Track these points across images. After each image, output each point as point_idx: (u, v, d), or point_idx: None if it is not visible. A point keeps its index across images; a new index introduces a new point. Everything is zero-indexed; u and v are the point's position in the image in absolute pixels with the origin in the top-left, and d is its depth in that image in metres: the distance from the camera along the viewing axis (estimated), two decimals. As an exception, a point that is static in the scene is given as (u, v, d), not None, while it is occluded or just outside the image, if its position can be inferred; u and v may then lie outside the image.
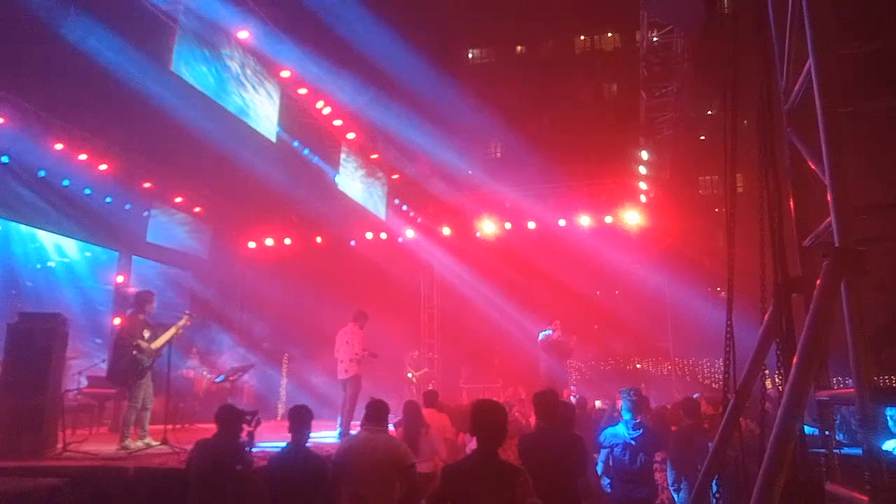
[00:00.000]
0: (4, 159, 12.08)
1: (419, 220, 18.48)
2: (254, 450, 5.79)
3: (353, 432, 8.01)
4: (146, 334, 8.19)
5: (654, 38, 11.94)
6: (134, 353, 7.96)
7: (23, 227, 13.38)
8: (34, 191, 12.68)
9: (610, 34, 32.50)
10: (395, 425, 8.11)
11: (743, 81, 4.39)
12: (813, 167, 3.51)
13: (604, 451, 6.21)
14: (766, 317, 4.00)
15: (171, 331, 8.38)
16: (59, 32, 11.00)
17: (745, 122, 4.62)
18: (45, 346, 7.18)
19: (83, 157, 13.03)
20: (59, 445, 7.14)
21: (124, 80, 11.81)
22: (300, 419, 5.42)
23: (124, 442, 7.79)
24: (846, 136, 3.18)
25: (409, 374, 15.26)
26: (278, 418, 14.38)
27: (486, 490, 3.56)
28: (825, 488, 3.39)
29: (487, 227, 17.87)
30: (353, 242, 18.73)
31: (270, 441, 7.45)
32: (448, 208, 18.24)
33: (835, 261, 3.02)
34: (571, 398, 10.79)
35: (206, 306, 16.42)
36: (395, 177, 16.94)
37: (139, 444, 7.88)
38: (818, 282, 3.14)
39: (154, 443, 7.95)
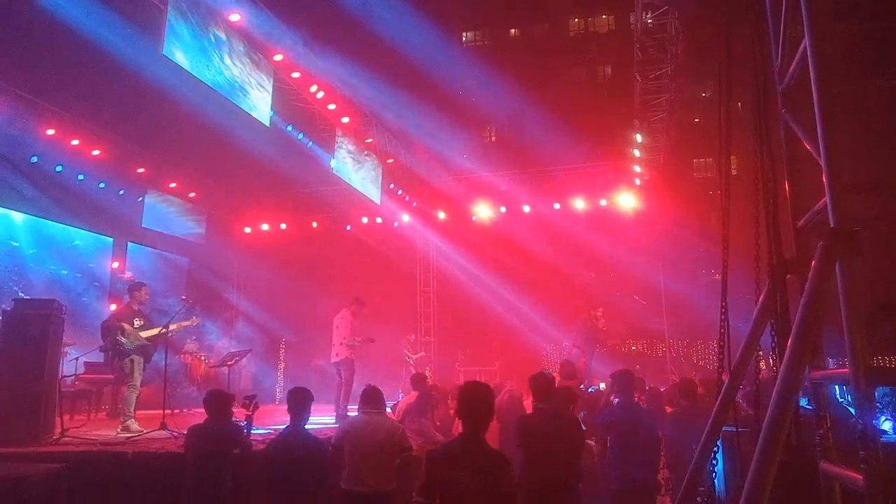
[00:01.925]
0: (-5, 145, 12.00)
1: (414, 204, 18.46)
2: (252, 432, 5.83)
3: (350, 415, 8.08)
4: (136, 322, 8.28)
5: (649, 20, 11.85)
6: (117, 336, 8.09)
7: (14, 213, 13.29)
8: (27, 177, 12.61)
9: (604, 16, 32.33)
10: (391, 408, 8.19)
11: (737, 62, 4.38)
12: (808, 147, 3.51)
13: (601, 432, 6.26)
14: (760, 298, 4.02)
15: (165, 329, 8.43)
16: (49, 14, 10.88)
17: (740, 104, 4.61)
18: (41, 332, 7.15)
19: (75, 142, 12.95)
20: (57, 431, 7.15)
21: (115, 64, 11.70)
22: (299, 401, 5.42)
23: (126, 423, 7.87)
24: (842, 116, 3.18)
25: (408, 357, 15.33)
26: (276, 402, 14.44)
27: (473, 476, 3.54)
28: (820, 467, 3.43)
29: (482, 211, 17.87)
30: (348, 227, 18.72)
31: (269, 425, 7.49)
32: (443, 192, 18.22)
33: (829, 241, 3.02)
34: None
35: (202, 291, 16.41)
36: (390, 161, 16.89)
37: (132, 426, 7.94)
38: (813, 263, 3.15)
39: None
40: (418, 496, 3.66)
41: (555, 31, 33.09)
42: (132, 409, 8.07)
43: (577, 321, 14.62)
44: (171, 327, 8.50)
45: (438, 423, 8.25)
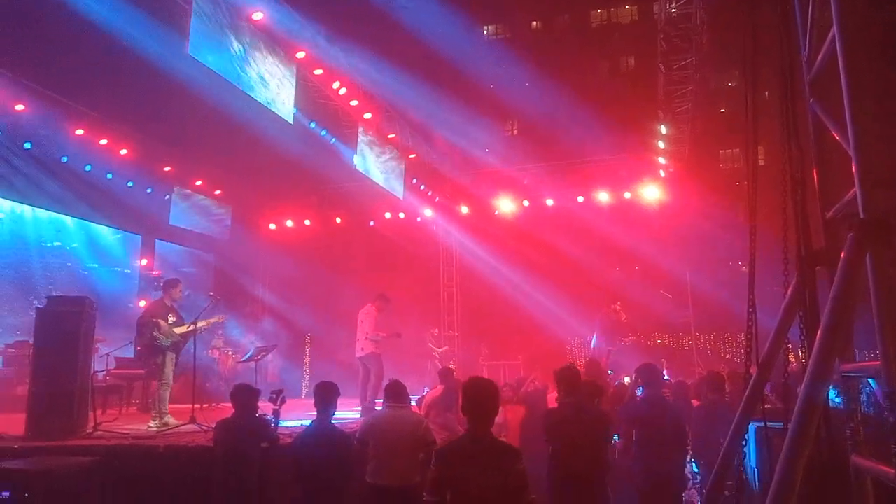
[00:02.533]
0: (27, 146, 12.26)
1: (437, 199, 18.47)
2: (279, 426, 5.90)
3: (378, 409, 8.13)
4: (170, 318, 8.37)
5: (673, 10, 11.71)
6: (153, 332, 8.15)
7: (47, 212, 13.58)
8: (57, 177, 12.88)
9: (627, 6, 31.94)
10: (416, 402, 8.23)
11: (763, 51, 4.31)
12: (837, 138, 3.45)
13: (626, 427, 6.23)
14: (789, 290, 3.96)
15: (195, 326, 8.53)
16: (76, 15, 11.06)
17: (766, 93, 4.54)
18: (74, 329, 7.29)
19: (104, 141, 13.20)
20: (90, 426, 7.30)
21: (142, 64, 11.87)
22: (326, 396, 5.48)
23: (163, 419, 8.00)
24: (873, 105, 3.11)
25: (434, 351, 15.40)
26: (302, 396, 14.59)
27: (482, 472, 3.52)
28: (851, 461, 3.38)
29: (505, 205, 17.83)
30: (372, 222, 18.81)
31: (295, 418, 7.58)
32: (465, 187, 18.22)
33: (859, 233, 2.97)
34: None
35: (229, 287, 16.63)
36: (412, 156, 16.91)
37: (170, 420, 8.06)
38: (842, 255, 3.10)
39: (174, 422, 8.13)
40: (428, 494, 3.66)
41: (576, 23, 32.78)
42: (166, 406, 8.19)
43: (596, 316, 14.57)
44: (200, 324, 8.60)
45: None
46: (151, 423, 8.00)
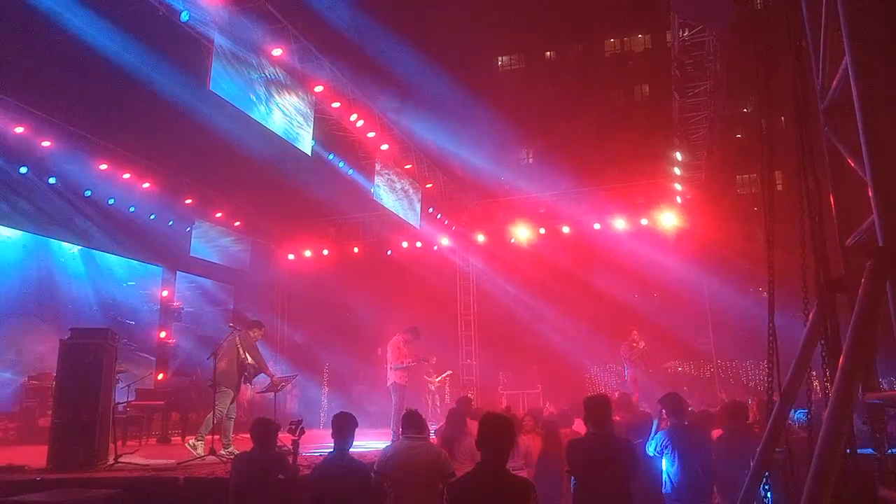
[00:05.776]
0: (52, 181, 12.56)
1: (453, 227, 18.55)
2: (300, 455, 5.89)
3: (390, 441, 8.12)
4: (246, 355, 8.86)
5: (686, 38, 11.76)
6: (245, 363, 8.71)
7: (70, 245, 13.82)
8: (81, 210, 13.17)
9: (640, 35, 32.19)
10: (435, 433, 8.18)
11: (779, 77, 4.32)
12: (853, 165, 3.45)
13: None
14: (809, 318, 3.93)
15: (215, 357, 8.72)
16: (100, 54, 11.41)
17: (783, 118, 4.55)
18: (96, 360, 7.39)
19: (127, 175, 13.46)
20: (111, 457, 7.35)
21: (164, 99, 12.21)
22: (343, 427, 5.46)
23: (196, 440, 8.22)
24: (888, 132, 3.10)
25: (430, 384, 15.34)
26: (321, 426, 14.57)
27: None
28: (879, 493, 3.31)
29: (521, 233, 17.84)
30: (389, 252, 18.91)
31: (314, 449, 7.57)
32: (481, 215, 18.30)
33: (878, 261, 2.95)
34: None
35: (248, 317, 16.75)
36: (429, 186, 17.04)
37: (228, 450, 8.24)
38: (862, 283, 3.08)
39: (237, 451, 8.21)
40: None
41: (590, 52, 33.09)
42: (205, 432, 8.39)
43: (619, 347, 14.52)
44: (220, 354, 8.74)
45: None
46: (192, 442, 8.30)
